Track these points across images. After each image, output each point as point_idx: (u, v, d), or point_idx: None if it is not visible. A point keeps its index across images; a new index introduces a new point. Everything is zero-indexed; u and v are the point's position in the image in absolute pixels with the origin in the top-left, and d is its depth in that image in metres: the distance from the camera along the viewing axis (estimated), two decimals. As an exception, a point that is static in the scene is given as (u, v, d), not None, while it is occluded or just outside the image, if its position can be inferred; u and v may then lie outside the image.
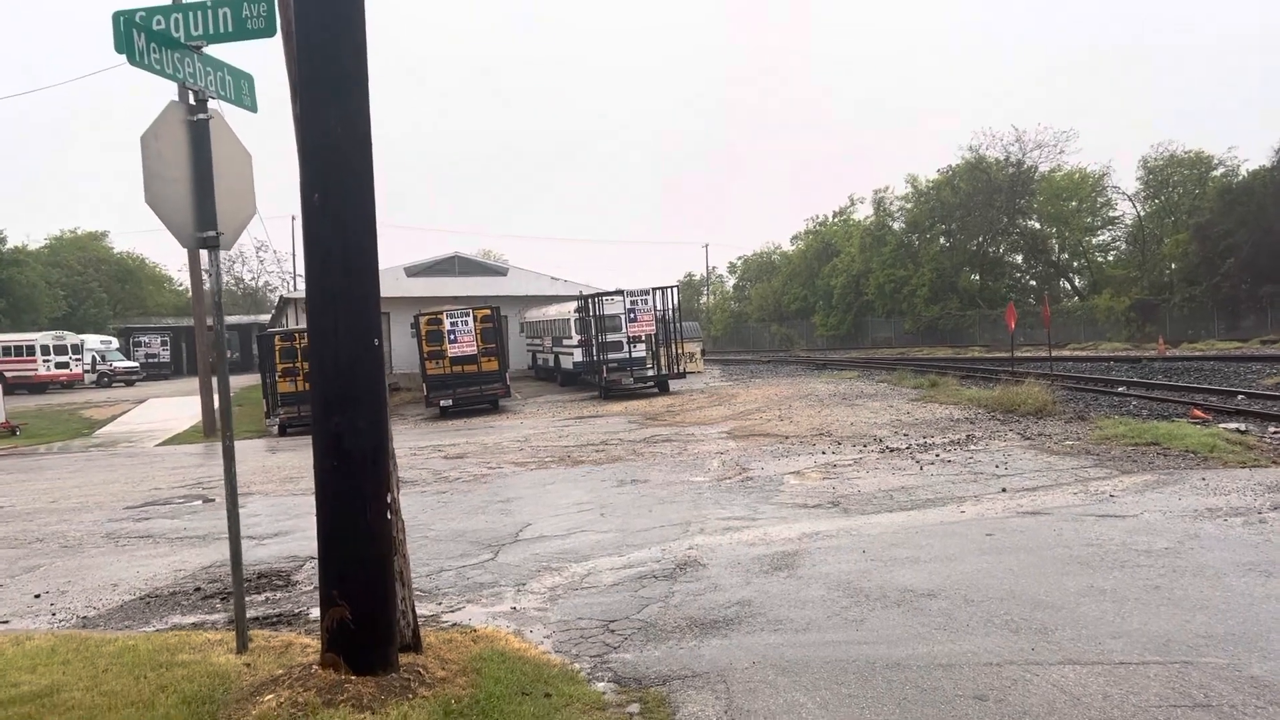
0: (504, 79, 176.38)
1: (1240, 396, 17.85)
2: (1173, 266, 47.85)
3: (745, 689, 4.88)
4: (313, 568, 8.37)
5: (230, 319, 61.13)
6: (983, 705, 4.49)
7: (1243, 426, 13.93)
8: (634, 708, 4.71)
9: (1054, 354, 30.72)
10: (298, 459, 18.48)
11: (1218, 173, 49.59)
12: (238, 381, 42.24)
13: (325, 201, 4.60)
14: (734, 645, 5.58)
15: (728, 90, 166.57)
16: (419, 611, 5.75)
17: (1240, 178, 45.83)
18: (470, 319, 27.49)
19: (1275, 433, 13.34)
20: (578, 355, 31.33)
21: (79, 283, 62.45)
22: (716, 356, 56.10)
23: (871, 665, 5.10)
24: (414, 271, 42.34)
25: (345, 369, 4.62)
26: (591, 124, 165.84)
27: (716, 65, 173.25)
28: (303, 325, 30.95)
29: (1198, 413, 15.81)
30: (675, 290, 30.51)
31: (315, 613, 6.68)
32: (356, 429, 4.62)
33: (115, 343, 57.31)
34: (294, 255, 78.01)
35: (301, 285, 63.17)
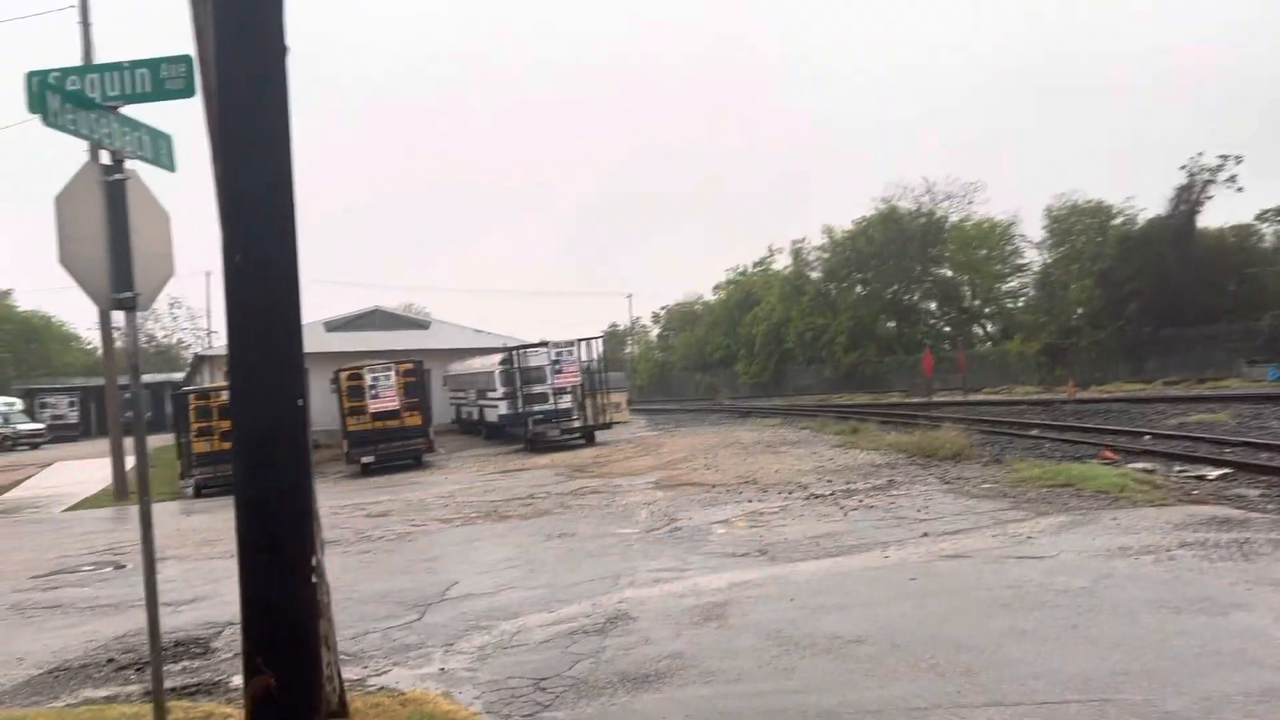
0: (425, 126, 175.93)
1: (1147, 437, 18.51)
2: (1079, 311, 49.49)
3: (679, 743, 4.87)
4: (232, 634, 8.13)
5: (143, 378, 59.38)
6: (912, 750, 4.55)
7: (1150, 466, 14.43)
8: (568, 767, 4.67)
9: (969, 398, 31.49)
10: (214, 521, 17.93)
11: (1117, 221, 51.64)
12: (150, 442, 40.78)
13: (247, 262, 4.56)
14: (667, 699, 5.58)
15: (646, 137, 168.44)
16: (345, 675, 5.63)
17: (1138, 226, 47.87)
18: (393, 373, 27.16)
19: (1180, 471, 13.85)
20: (503, 408, 31.05)
21: (-20, 343, 60.11)
22: (642, 406, 56.24)
23: (803, 714, 5.14)
24: (334, 326, 41.75)
25: (269, 431, 4.55)
26: (515, 175, 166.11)
27: (637, 113, 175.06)
28: (219, 383, 30.22)
29: (1108, 454, 16.34)
30: (600, 341, 30.62)
31: (236, 680, 6.49)
32: (280, 492, 4.54)
33: (19, 404, 54.94)
34: (209, 312, 76.18)
35: (217, 341, 61.74)
